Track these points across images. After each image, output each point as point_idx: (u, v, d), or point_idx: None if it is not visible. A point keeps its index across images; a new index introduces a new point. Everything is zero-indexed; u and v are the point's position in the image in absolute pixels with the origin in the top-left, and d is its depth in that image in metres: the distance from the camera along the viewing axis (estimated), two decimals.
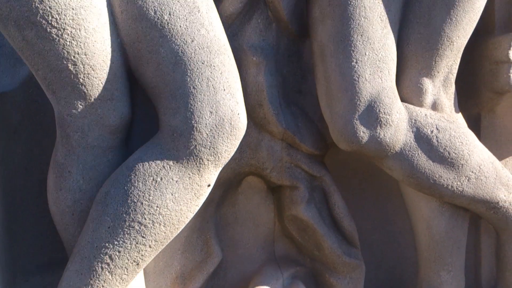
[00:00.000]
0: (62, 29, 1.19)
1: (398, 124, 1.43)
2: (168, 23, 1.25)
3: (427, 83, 1.49)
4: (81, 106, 1.27)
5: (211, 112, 1.26)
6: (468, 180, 1.49)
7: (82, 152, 1.32)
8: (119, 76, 1.29)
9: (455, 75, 1.53)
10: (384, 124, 1.41)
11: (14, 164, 1.51)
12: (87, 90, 1.26)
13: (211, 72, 1.26)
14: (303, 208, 1.57)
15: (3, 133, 1.49)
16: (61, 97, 1.27)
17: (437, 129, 1.47)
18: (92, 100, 1.27)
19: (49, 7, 1.17)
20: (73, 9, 1.19)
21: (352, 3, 1.40)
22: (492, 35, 1.65)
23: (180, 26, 1.25)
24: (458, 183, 1.49)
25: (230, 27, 1.50)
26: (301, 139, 1.54)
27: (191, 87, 1.25)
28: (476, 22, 1.48)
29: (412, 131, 1.45)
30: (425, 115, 1.47)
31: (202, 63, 1.25)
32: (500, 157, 1.71)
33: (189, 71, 1.25)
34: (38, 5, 1.16)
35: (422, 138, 1.46)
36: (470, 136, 1.50)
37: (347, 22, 1.40)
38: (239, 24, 1.51)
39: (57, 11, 1.18)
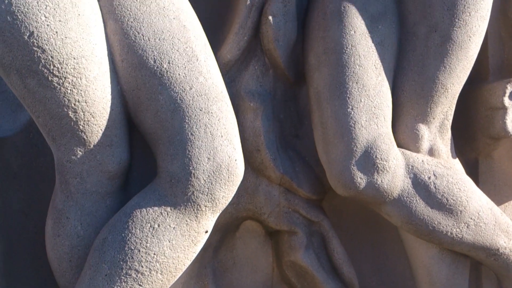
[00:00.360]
0: (63, 78, 1.22)
1: (395, 170, 1.44)
2: (167, 71, 1.28)
3: (423, 129, 1.51)
4: (80, 153, 1.28)
5: (208, 159, 1.27)
6: (467, 227, 1.49)
7: (80, 198, 1.32)
8: (118, 123, 1.31)
9: (450, 121, 1.55)
10: (381, 170, 1.42)
11: (13, 209, 1.51)
12: (87, 137, 1.27)
13: (208, 119, 1.28)
14: (301, 254, 1.55)
15: (2, 178, 1.50)
16: (61, 143, 1.28)
17: (435, 175, 1.47)
18: (92, 146, 1.28)
19: (51, 57, 1.20)
20: (74, 58, 1.22)
21: (346, 52, 1.44)
22: (487, 81, 1.68)
23: (179, 74, 1.28)
24: (457, 229, 1.48)
25: (228, 73, 1.53)
26: (299, 184, 1.54)
27: (189, 134, 1.27)
28: (470, 70, 1.51)
29: (410, 177, 1.46)
30: (422, 161, 1.48)
31: (200, 110, 1.28)
32: (499, 202, 1.70)
33: (187, 118, 1.27)
34: (40, 55, 1.19)
35: (419, 184, 1.46)
36: (468, 182, 1.50)
37: (342, 69, 1.43)
38: (236, 71, 1.54)
39: (58, 60, 1.20)
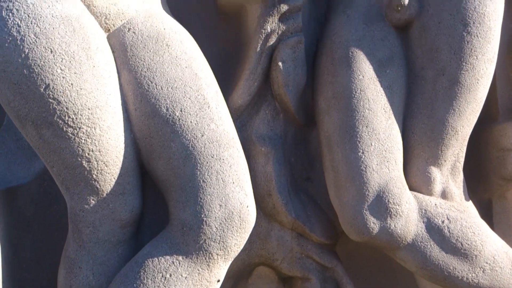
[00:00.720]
0: (78, 128, 1.23)
1: (408, 214, 1.43)
2: (179, 119, 1.30)
3: (434, 171, 1.50)
4: (93, 201, 1.29)
5: (220, 206, 1.27)
6: (483, 272, 1.46)
7: (92, 247, 1.32)
8: (131, 170, 1.32)
9: (462, 163, 1.54)
10: (394, 215, 1.41)
11: (26, 258, 1.51)
12: (100, 186, 1.28)
13: (220, 166, 1.29)
14: None
15: (16, 225, 1.51)
16: (74, 192, 1.29)
17: (448, 219, 1.46)
18: (104, 195, 1.29)
19: (66, 108, 1.22)
20: (89, 109, 1.24)
21: (356, 96, 1.45)
22: (497, 122, 1.68)
23: (191, 122, 1.30)
24: (473, 274, 1.45)
25: (239, 118, 1.55)
26: (311, 229, 1.53)
27: (201, 181, 1.27)
28: (479, 111, 1.51)
29: (423, 222, 1.45)
30: (435, 204, 1.47)
31: (212, 156, 1.29)
32: None
33: (199, 165, 1.28)
34: (56, 106, 1.22)
35: (433, 228, 1.45)
36: (482, 226, 1.49)
37: (352, 113, 1.44)
38: (247, 115, 1.56)
39: (73, 111, 1.22)
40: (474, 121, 1.51)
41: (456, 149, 1.51)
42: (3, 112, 1.55)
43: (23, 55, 1.19)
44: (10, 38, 1.19)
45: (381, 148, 1.43)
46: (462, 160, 1.54)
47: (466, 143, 1.53)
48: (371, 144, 1.43)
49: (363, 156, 1.42)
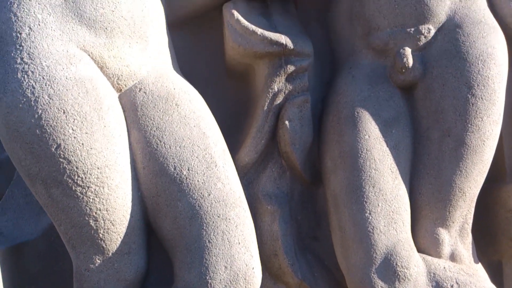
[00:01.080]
0: (86, 187, 1.25)
1: (416, 278, 1.40)
2: (186, 178, 1.31)
3: (443, 233, 1.48)
4: (99, 261, 1.29)
5: (225, 267, 1.26)
6: None
7: None
8: (137, 229, 1.32)
9: (470, 224, 1.53)
10: (403, 279, 1.39)
11: None
12: (106, 245, 1.28)
13: (226, 226, 1.28)
14: None
15: (21, 282, 1.50)
16: (80, 251, 1.29)
17: (457, 283, 1.43)
18: (110, 254, 1.29)
19: (76, 167, 1.24)
20: (98, 168, 1.25)
21: (362, 156, 1.46)
22: (504, 182, 1.67)
23: (198, 181, 1.31)
24: None
25: (246, 176, 1.56)
26: None
27: (207, 241, 1.27)
28: (486, 172, 1.51)
29: (432, 286, 1.42)
30: (444, 267, 1.45)
31: (218, 216, 1.29)
32: None
33: (205, 224, 1.28)
34: (66, 166, 1.24)
35: None
36: None
37: (358, 173, 1.45)
38: (254, 173, 1.57)
39: (83, 170, 1.24)
40: (481, 182, 1.50)
41: (464, 210, 1.50)
42: (13, 168, 1.57)
43: (36, 115, 1.22)
44: (25, 99, 1.22)
45: (388, 209, 1.42)
46: (470, 221, 1.52)
47: (474, 204, 1.52)
48: (378, 205, 1.42)
49: (370, 217, 1.41)
